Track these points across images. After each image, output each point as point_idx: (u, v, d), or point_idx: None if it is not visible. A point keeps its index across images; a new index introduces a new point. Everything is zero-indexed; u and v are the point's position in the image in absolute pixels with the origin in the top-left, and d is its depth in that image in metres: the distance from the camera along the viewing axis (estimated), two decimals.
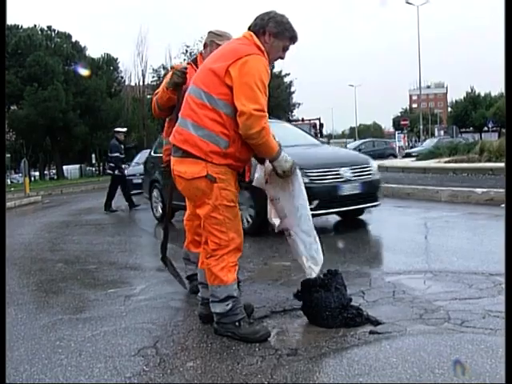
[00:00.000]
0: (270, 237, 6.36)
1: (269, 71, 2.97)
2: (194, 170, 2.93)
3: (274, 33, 3.04)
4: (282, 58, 3.15)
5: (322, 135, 25.92)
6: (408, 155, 30.79)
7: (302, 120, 28.11)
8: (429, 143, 33.82)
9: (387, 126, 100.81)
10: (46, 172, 51.51)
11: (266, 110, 2.88)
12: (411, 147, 40.37)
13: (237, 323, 2.95)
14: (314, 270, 3.16)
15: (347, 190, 6.45)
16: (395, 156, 32.29)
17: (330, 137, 57.16)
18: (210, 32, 3.88)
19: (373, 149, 30.59)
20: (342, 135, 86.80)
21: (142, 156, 19.67)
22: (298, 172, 3.16)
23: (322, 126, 26.12)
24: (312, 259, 3.17)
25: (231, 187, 2.99)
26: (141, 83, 45.54)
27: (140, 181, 17.39)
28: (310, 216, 3.23)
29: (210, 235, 2.99)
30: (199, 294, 3.38)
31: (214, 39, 3.77)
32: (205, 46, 3.89)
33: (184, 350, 2.84)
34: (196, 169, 2.93)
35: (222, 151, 2.91)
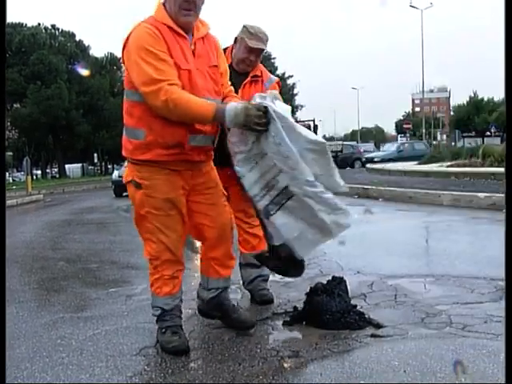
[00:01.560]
0: None
1: (155, 34, 2.60)
2: (126, 175, 2.82)
3: None
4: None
5: None
6: (370, 161, 29.40)
7: (296, 121, 27.28)
8: (389, 147, 33.23)
9: (389, 129, 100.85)
10: (48, 170, 51.61)
11: (160, 76, 2.52)
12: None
13: (163, 329, 2.84)
14: (341, 224, 2.65)
15: None
16: (362, 161, 30.50)
17: (331, 139, 56.99)
18: (243, 26, 3.53)
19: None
20: (345, 138, 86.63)
21: None
22: (275, 115, 2.57)
23: (316, 127, 25.13)
24: (335, 211, 2.62)
25: (158, 193, 2.69)
26: None
27: None
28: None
29: (145, 243, 2.85)
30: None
31: (244, 36, 3.45)
32: (235, 40, 3.57)
33: None
34: (127, 173, 2.81)
35: (143, 143, 2.64)
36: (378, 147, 44.92)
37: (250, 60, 3.47)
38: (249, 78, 3.53)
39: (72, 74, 40.46)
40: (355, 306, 3.18)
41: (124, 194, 17.05)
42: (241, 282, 3.95)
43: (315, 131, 24.70)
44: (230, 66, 3.35)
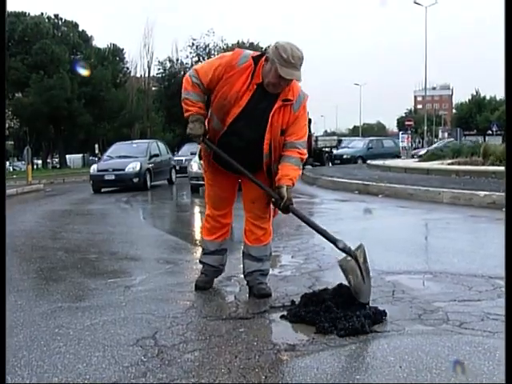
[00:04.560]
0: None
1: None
2: None
3: None
4: None
5: (310, 132, 24.83)
6: (339, 158, 28.23)
7: None
8: (356, 144, 31.77)
9: (391, 125, 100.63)
10: (48, 160, 51.55)
11: None
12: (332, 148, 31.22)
13: None
14: None
15: None
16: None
17: (332, 134, 56.71)
18: (276, 46, 3.21)
19: None
20: (347, 134, 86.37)
21: (115, 149, 17.85)
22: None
23: (310, 121, 24.94)
24: None
25: None
26: (146, 75, 45.48)
27: (113, 177, 15.50)
28: None
29: None
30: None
31: (276, 60, 3.15)
32: (266, 58, 3.26)
33: (182, 341, 2.84)
34: None
35: None
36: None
37: (280, 85, 3.25)
38: (279, 103, 3.32)
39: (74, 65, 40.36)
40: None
41: (103, 190, 15.57)
42: (239, 276, 3.97)
43: (309, 126, 24.49)
44: (260, 85, 3.28)
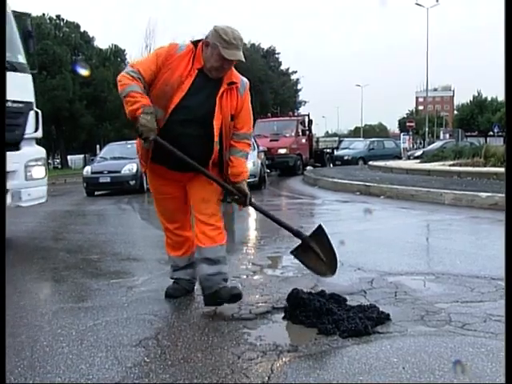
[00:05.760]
0: (273, 234, 6.37)
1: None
2: None
3: None
4: None
5: (310, 132, 24.49)
6: (339, 159, 27.95)
7: (290, 115, 26.53)
8: (357, 145, 31.31)
9: (393, 127, 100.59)
10: (50, 161, 51.57)
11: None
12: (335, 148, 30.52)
13: None
14: None
15: None
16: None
17: (334, 135, 56.78)
18: (215, 30, 3.20)
19: None
20: (348, 135, 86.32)
21: (109, 149, 17.06)
22: None
23: (310, 122, 24.70)
24: None
25: None
26: None
27: (108, 179, 14.63)
28: None
29: None
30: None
31: (217, 43, 3.15)
32: (206, 44, 3.23)
33: (185, 342, 2.84)
34: None
35: None
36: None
37: (223, 68, 3.22)
38: (225, 87, 3.27)
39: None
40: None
41: (96, 193, 14.90)
42: (241, 276, 3.97)
43: (309, 126, 24.51)
44: (201, 70, 3.23)
